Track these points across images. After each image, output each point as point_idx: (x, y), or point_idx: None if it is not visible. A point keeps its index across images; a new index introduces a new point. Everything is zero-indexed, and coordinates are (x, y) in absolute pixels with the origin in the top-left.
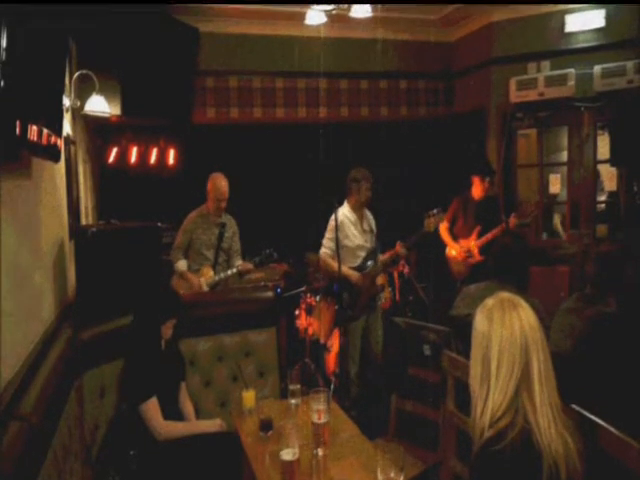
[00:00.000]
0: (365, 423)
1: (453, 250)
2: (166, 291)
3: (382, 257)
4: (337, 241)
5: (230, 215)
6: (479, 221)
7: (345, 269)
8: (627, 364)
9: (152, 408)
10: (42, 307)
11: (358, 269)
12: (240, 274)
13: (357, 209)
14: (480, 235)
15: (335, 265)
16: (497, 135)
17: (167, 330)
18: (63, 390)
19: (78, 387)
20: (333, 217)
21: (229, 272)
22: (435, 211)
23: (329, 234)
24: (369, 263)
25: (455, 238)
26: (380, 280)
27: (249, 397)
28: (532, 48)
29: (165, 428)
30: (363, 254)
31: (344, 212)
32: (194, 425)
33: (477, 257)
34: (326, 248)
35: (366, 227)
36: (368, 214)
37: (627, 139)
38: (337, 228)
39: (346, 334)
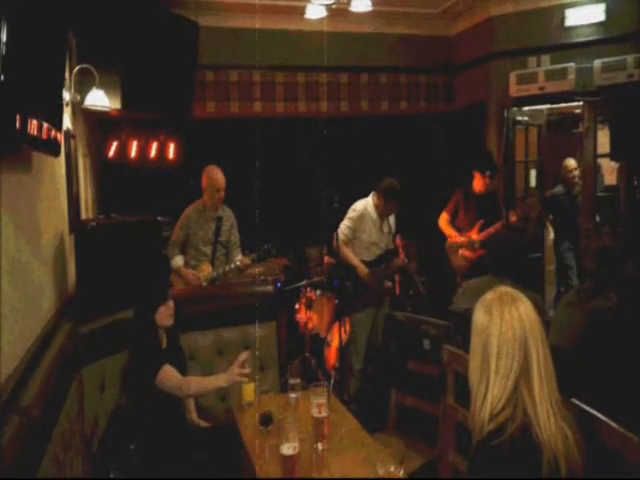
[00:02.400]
0: (365, 417)
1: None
2: (155, 277)
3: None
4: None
5: (229, 208)
6: (481, 215)
7: (356, 261)
8: (627, 358)
9: (168, 372)
10: (42, 301)
11: (370, 264)
12: (239, 270)
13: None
14: (481, 229)
15: (349, 255)
16: (497, 129)
17: (164, 318)
18: (63, 384)
19: (78, 381)
20: (355, 207)
21: (227, 268)
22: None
23: (348, 222)
24: (382, 265)
25: (457, 232)
26: (387, 284)
27: (249, 391)
28: (532, 42)
29: (188, 382)
30: (378, 252)
31: (367, 208)
32: (216, 379)
33: (478, 251)
34: (343, 235)
35: (385, 229)
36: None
37: (627, 133)
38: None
39: (352, 327)
